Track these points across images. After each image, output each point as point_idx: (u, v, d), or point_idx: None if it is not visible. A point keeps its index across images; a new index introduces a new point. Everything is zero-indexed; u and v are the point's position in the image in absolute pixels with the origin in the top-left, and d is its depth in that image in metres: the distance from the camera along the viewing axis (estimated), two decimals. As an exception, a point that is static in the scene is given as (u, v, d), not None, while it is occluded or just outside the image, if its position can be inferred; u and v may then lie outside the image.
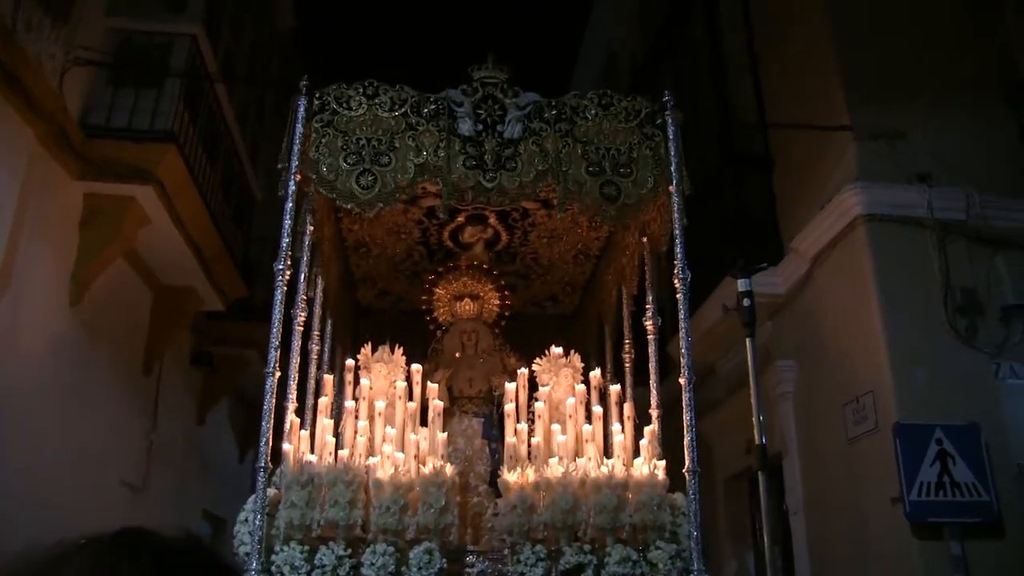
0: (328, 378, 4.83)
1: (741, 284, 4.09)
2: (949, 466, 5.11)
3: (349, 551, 3.88)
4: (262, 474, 3.93)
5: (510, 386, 4.76)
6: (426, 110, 4.47)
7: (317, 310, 5.08)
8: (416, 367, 4.76)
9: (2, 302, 5.63)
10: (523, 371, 4.92)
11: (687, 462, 4.11)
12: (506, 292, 6.10)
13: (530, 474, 4.22)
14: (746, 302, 4.06)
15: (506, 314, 6.14)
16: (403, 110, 4.47)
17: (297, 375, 4.41)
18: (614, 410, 4.72)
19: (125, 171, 6.35)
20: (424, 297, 6.11)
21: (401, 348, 4.91)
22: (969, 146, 6.03)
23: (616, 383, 5.11)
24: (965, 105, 6.10)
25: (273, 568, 3.84)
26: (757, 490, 7.70)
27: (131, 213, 6.53)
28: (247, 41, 9.05)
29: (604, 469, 4.22)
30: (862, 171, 5.92)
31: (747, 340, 4.04)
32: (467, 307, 6.04)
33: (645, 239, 5.05)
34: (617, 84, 11.73)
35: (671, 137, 4.52)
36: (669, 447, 4.61)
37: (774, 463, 6.82)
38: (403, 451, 4.26)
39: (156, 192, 6.49)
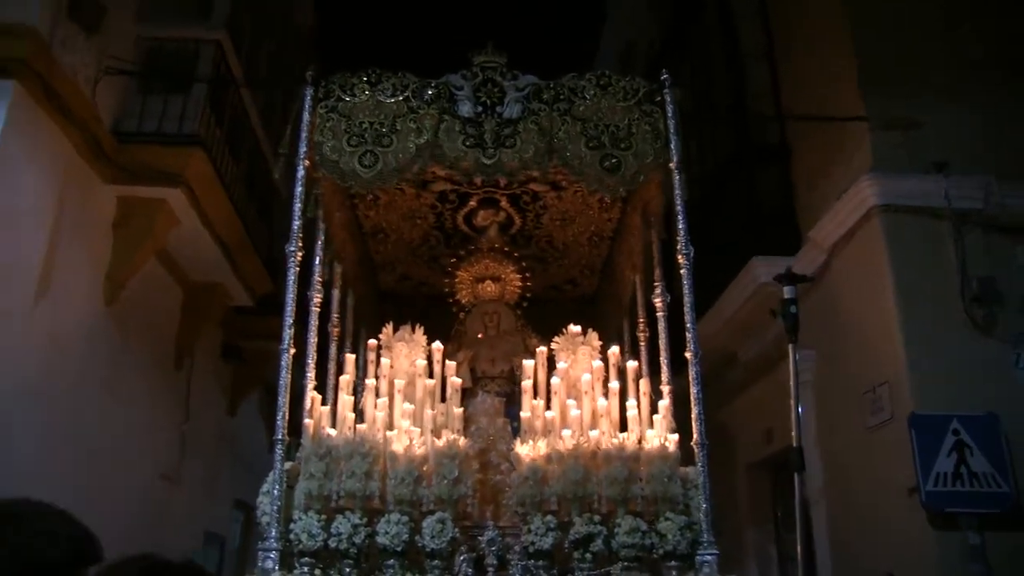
0: (350, 357, 5.00)
1: (786, 292, 4.14)
2: (966, 456, 5.12)
3: (365, 520, 4.03)
4: (279, 447, 4.11)
5: (528, 363, 4.88)
6: (427, 94, 4.65)
7: (335, 293, 5.27)
8: (437, 346, 4.89)
9: (42, 304, 5.85)
10: (542, 349, 5.03)
11: (695, 435, 4.21)
12: (527, 274, 6.20)
13: (542, 446, 4.34)
14: (792, 309, 4.12)
15: (527, 295, 6.24)
16: (404, 95, 4.66)
17: (316, 354, 4.59)
18: (631, 386, 4.80)
19: (155, 175, 6.57)
20: (446, 280, 6.23)
21: (422, 328, 5.07)
22: (987, 134, 6.01)
23: (634, 361, 5.19)
24: (981, 93, 6.08)
25: (291, 536, 4.00)
26: (778, 478, 7.79)
27: (162, 214, 6.75)
28: (269, 41, 9.23)
29: (615, 441, 4.32)
30: (877, 161, 5.94)
31: (790, 347, 4.10)
32: (489, 289, 6.14)
33: (650, 218, 5.16)
34: (635, 73, 11.75)
35: (669, 114, 4.62)
36: (687, 427, 4.68)
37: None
38: (420, 426, 4.40)
39: (185, 194, 6.70)
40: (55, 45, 5.73)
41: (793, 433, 4.00)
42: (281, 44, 9.80)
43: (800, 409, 4.05)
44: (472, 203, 5.58)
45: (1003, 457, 5.11)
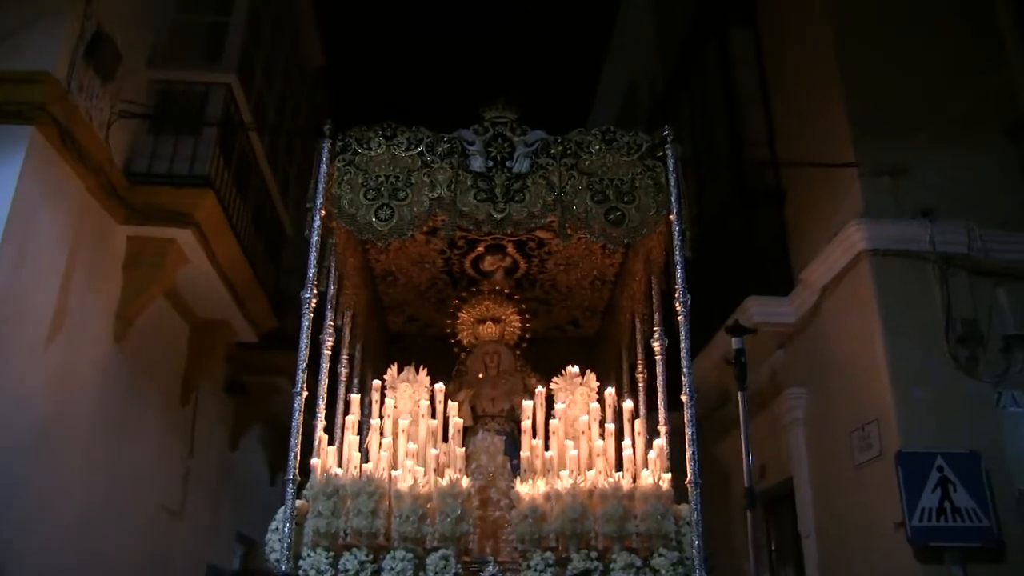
0: (355, 397, 5.15)
1: (734, 343, 4.40)
2: (950, 492, 5.31)
3: (371, 557, 4.18)
4: (290, 486, 4.27)
5: (527, 404, 5.04)
6: (440, 149, 4.86)
7: (346, 336, 5.44)
8: (439, 387, 5.05)
9: (55, 342, 6.02)
10: (540, 390, 5.18)
11: (689, 474, 4.38)
12: (527, 315, 6.36)
13: (541, 485, 4.50)
14: (742, 360, 4.38)
15: (527, 336, 6.39)
16: (419, 149, 4.86)
17: (326, 396, 4.78)
18: (627, 426, 4.96)
19: (166, 215, 6.75)
20: (448, 321, 6.39)
21: (425, 369, 5.22)
22: (971, 181, 6.24)
23: (629, 402, 5.34)
24: (967, 140, 6.32)
25: (300, 573, 4.15)
26: (773, 514, 7.97)
27: (171, 254, 6.93)
28: (278, 83, 9.46)
29: (611, 481, 4.49)
30: (867, 207, 6.16)
31: (739, 393, 4.35)
32: (489, 330, 6.30)
33: (651, 265, 5.34)
34: (637, 113, 12.03)
35: (671, 169, 4.83)
36: (683, 463, 4.83)
37: (787, 487, 7.06)
38: (423, 465, 4.56)
39: (194, 234, 6.88)
40: (72, 91, 5.94)
41: (744, 474, 4.24)
42: (290, 85, 10.05)
43: (750, 457, 4.30)
44: (480, 248, 5.75)
45: (984, 493, 5.30)
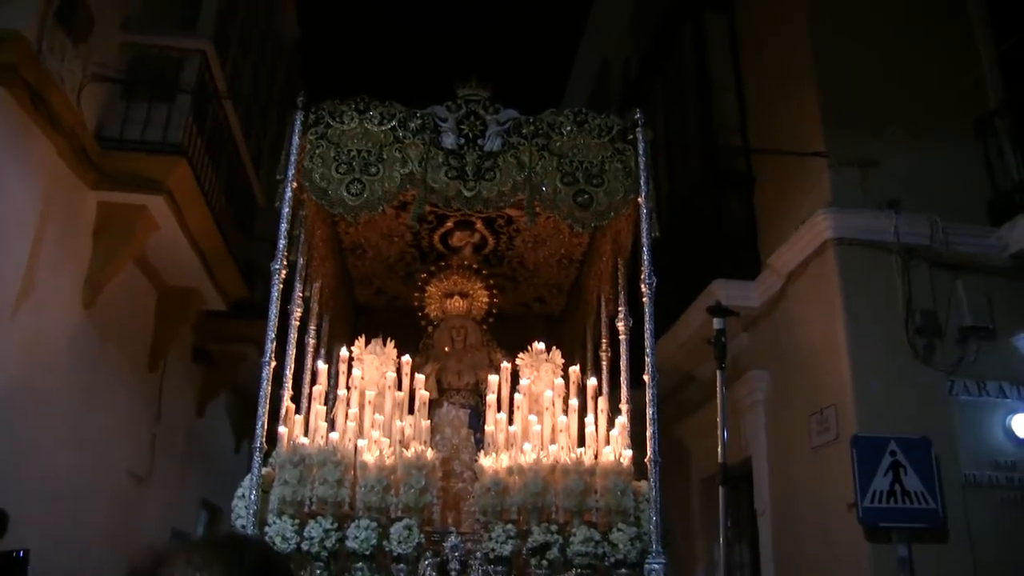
0: (322, 368, 5.19)
1: (716, 323, 4.50)
2: (901, 476, 5.50)
3: (336, 525, 4.25)
4: (258, 454, 4.32)
5: (493, 378, 5.12)
6: (413, 124, 4.87)
7: (314, 307, 5.47)
8: (406, 359, 5.11)
9: (24, 307, 5.99)
10: (506, 365, 5.25)
11: (648, 452, 4.48)
12: (494, 291, 6.41)
13: (504, 459, 4.59)
14: (722, 340, 4.49)
15: (494, 311, 6.45)
16: (391, 124, 4.86)
17: (293, 366, 4.81)
18: (590, 404, 5.05)
19: (137, 181, 6.71)
20: (416, 295, 6.42)
21: (392, 342, 5.26)
22: (937, 174, 6.39)
23: (593, 380, 5.42)
24: (935, 135, 6.47)
25: (266, 539, 4.18)
26: (730, 492, 8.14)
27: (142, 221, 6.90)
28: (253, 53, 9.39)
29: (573, 456, 4.58)
30: (834, 196, 6.28)
31: (717, 372, 4.46)
32: (457, 304, 6.33)
33: (618, 247, 5.41)
34: (610, 91, 12.06)
35: (640, 152, 4.88)
36: (644, 441, 4.92)
37: (745, 467, 7.23)
38: (389, 437, 4.64)
39: (166, 201, 6.84)
40: (43, 52, 5.87)
41: (719, 450, 4.37)
42: (265, 55, 9.97)
43: (725, 434, 4.41)
44: (449, 224, 5.79)
45: (933, 477, 5.49)
